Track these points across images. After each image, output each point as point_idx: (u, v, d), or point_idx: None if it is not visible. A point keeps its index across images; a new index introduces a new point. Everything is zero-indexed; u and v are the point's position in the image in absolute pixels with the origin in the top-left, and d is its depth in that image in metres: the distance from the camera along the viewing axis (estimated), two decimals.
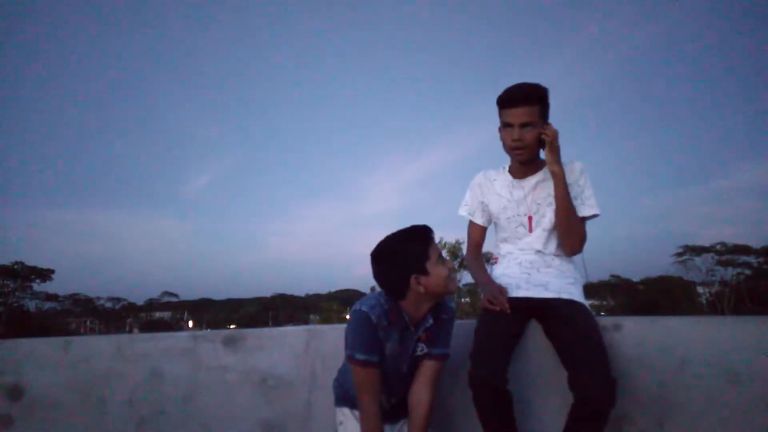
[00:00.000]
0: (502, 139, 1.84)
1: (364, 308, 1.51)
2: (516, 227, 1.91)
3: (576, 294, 1.76)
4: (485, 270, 1.95)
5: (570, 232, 1.80)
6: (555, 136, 1.74)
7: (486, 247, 2.13)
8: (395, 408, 1.65)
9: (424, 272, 1.48)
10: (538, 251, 1.87)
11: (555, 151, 1.74)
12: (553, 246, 1.87)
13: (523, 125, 1.76)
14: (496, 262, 2.00)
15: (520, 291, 1.79)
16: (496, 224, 2.01)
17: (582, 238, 1.82)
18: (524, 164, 1.88)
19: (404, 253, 1.49)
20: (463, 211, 2.05)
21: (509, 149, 1.82)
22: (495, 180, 1.98)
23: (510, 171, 1.96)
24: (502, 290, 1.74)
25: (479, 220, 2.02)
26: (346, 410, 1.69)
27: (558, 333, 1.66)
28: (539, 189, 1.87)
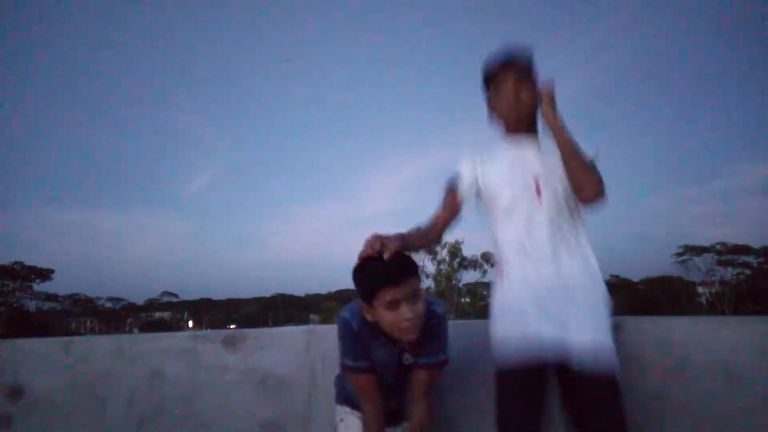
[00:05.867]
0: (495, 106, 1.69)
1: (346, 315, 1.48)
2: (520, 194, 1.60)
3: (607, 344, 1.38)
4: (418, 232, 1.60)
5: (588, 177, 1.51)
6: (551, 89, 1.58)
7: (484, 246, 1.97)
8: (398, 410, 1.64)
9: (371, 306, 1.39)
10: (552, 243, 1.54)
11: (552, 103, 1.56)
12: (567, 223, 1.58)
13: (519, 89, 1.61)
14: (500, 277, 1.60)
15: (533, 326, 1.43)
16: (493, 203, 1.65)
17: (601, 181, 1.52)
18: (524, 128, 1.67)
19: (356, 281, 1.42)
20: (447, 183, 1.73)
21: (510, 111, 1.64)
22: (492, 150, 1.73)
23: (507, 139, 1.71)
24: (387, 241, 1.36)
25: (462, 194, 1.69)
26: (347, 408, 1.68)
27: (580, 412, 1.43)
28: (542, 156, 1.64)
